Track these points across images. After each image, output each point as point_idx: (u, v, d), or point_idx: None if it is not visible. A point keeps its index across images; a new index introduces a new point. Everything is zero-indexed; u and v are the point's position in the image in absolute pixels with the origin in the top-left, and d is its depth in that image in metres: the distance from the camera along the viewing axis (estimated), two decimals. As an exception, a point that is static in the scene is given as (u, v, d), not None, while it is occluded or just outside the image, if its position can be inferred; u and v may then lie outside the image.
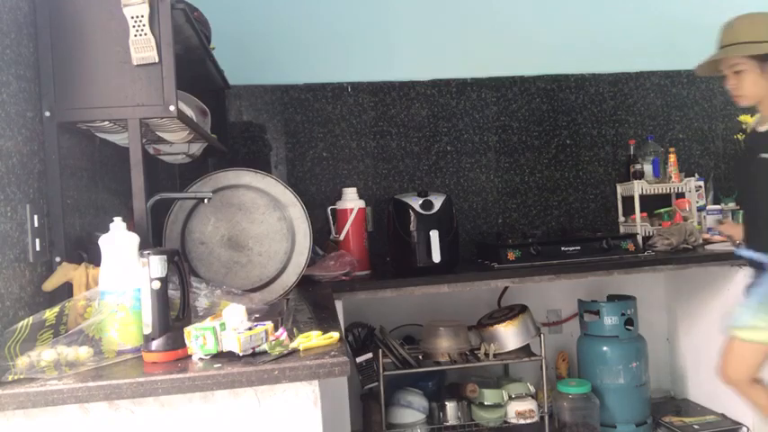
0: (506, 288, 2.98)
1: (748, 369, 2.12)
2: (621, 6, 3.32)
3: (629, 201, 3.10)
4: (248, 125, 3.02)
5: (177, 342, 1.27)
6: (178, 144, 2.11)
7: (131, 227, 1.48)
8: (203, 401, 1.20)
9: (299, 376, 1.19)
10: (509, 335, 2.72)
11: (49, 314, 1.33)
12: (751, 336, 2.05)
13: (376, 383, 2.64)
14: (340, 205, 2.77)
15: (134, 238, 1.41)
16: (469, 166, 3.17)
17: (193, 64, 2.19)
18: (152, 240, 1.65)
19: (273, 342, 1.30)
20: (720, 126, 3.38)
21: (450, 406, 2.76)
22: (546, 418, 2.77)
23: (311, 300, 2.07)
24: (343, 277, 2.51)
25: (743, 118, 3.24)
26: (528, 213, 3.21)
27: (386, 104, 3.10)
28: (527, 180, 3.22)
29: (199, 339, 1.26)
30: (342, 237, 2.72)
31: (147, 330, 1.27)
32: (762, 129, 2.10)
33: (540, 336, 2.74)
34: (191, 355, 1.28)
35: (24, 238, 1.48)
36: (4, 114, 1.42)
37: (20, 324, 1.27)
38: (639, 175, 3.08)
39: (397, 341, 2.76)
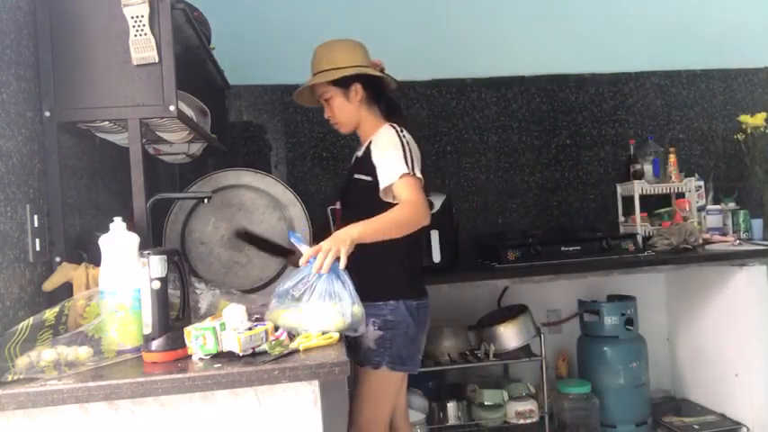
0: (506, 288, 2.98)
1: (383, 409, 1.94)
2: (621, 6, 3.32)
3: (629, 201, 3.10)
4: (248, 125, 3.02)
5: (177, 342, 1.27)
6: (178, 144, 2.11)
7: (131, 227, 1.48)
8: (203, 401, 1.20)
9: (299, 376, 1.19)
10: (509, 335, 2.72)
11: (49, 314, 1.33)
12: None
13: (376, 383, 2.63)
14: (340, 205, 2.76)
15: (134, 238, 1.41)
16: (469, 166, 3.17)
17: (193, 64, 2.19)
18: (152, 240, 1.65)
19: (273, 342, 1.30)
20: (720, 126, 3.38)
21: (451, 406, 2.75)
22: (546, 418, 2.76)
23: (311, 300, 2.06)
24: (343, 277, 2.50)
25: (743, 118, 3.24)
26: (528, 213, 3.21)
27: (386, 104, 3.10)
28: (527, 180, 3.22)
29: (199, 339, 1.26)
30: (342, 237, 2.70)
31: (147, 330, 1.27)
32: (359, 153, 2.04)
33: (540, 336, 2.74)
34: (191, 355, 1.28)
35: (24, 238, 1.48)
36: (4, 114, 1.42)
37: (20, 325, 1.27)
38: (639, 175, 3.08)
39: (397, 341, 2.76)
